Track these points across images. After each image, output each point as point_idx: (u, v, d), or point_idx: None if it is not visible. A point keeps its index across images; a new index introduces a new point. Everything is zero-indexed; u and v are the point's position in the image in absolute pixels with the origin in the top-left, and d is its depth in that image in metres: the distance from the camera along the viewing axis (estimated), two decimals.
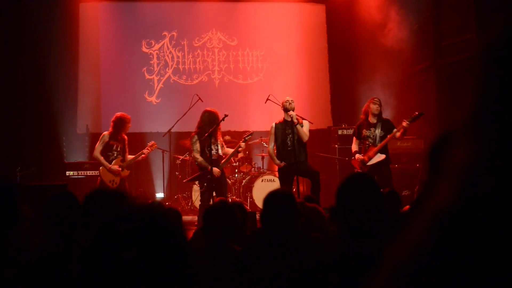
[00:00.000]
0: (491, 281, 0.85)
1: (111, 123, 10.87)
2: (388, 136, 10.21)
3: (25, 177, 11.96)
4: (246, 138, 10.63)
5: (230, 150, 10.67)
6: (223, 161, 10.46)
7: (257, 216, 6.36)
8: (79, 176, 12.79)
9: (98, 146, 10.83)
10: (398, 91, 13.21)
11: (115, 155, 10.86)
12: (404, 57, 13.32)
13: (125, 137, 11.00)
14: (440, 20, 12.81)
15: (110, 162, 10.80)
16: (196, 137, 10.42)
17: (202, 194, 10.43)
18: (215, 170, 10.21)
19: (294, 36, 15.17)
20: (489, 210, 0.88)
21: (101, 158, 10.79)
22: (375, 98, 10.61)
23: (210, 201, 10.18)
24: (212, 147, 10.34)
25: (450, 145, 0.98)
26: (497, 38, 0.98)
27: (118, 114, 10.97)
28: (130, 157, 11.03)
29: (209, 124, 10.28)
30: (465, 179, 0.92)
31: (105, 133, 10.94)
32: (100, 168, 10.88)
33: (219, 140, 10.51)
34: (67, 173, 12.84)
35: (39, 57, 13.52)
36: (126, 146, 11.00)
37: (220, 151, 10.48)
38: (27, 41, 13.50)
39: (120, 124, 10.80)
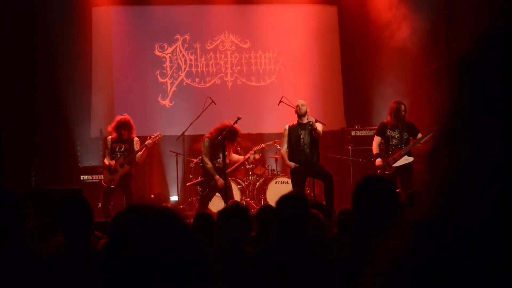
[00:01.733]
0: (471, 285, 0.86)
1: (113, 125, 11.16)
2: (413, 140, 10.21)
3: (40, 181, 12.03)
4: (257, 151, 10.80)
5: (239, 157, 10.80)
6: (229, 170, 10.54)
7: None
8: (93, 180, 12.85)
9: (105, 152, 11.33)
10: (411, 92, 13.17)
11: (119, 155, 11.00)
12: (417, 57, 13.28)
13: (134, 137, 11.13)
14: (453, 20, 12.76)
15: None
16: (208, 140, 10.53)
17: (201, 198, 10.64)
18: (221, 181, 10.39)
19: (306, 37, 15.15)
20: (468, 216, 0.90)
21: (105, 161, 11.17)
22: (399, 101, 10.60)
23: (207, 206, 10.51)
24: (220, 155, 10.47)
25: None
26: (469, 48, 0.99)
27: (119, 117, 11.17)
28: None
29: (227, 138, 10.41)
30: (445, 187, 0.94)
31: (108, 137, 11.26)
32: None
33: (227, 150, 10.60)
34: (82, 177, 12.90)
35: (52, 62, 13.58)
36: (136, 146, 11.06)
37: (226, 160, 10.60)
38: (41, 46, 13.56)
39: (117, 126, 11.02)
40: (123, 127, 10.96)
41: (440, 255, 0.89)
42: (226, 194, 10.34)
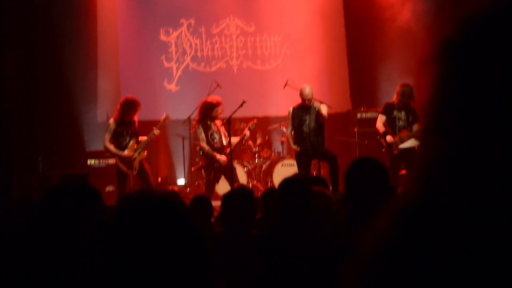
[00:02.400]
0: (455, 273, 0.88)
1: (118, 107, 10.67)
2: (417, 125, 10.17)
3: (47, 166, 12.08)
4: (251, 127, 10.75)
5: (236, 138, 10.77)
6: (228, 150, 10.46)
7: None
8: (100, 165, 12.91)
9: (107, 136, 10.58)
10: (417, 73, 13.11)
11: (128, 140, 10.58)
12: (424, 38, 13.23)
13: (135, 119, 10.67)
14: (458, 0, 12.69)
15: (124, 149, 10.53)
16: (197, 125, 10.52)
17: (207, 182, 10.62)
18: (222, 157, 10.32)
19: (311, 20, 15.11)
20: (453, 204, 0.90)
21: (111, 147, 10.56)
22: (408, 84, 10.55)
23: (213, 190, 10.57)
24: (215, 135, 10.46)
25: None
26: (454, 34, 0.99)
27: (125, 97, 10.76)
28: (143, 138, 10.74)
29: (208, 112, 10.40)
30: (431, 174, 0.95)
31: (111, 120, 10.71)
32: (115, 158, 10.71)
33: (221, 130, 10.57)
34: (89, 161, 12.95)
35: (57, 47, 13.58)
36: (137, 129, 10.70)
37: (224, 141, 10.54)
38: (45, 30, 13.55)
39: (125, 106, 10.50)
40: (129, 108, 10.48)
41: (423, 242, 0.91)
42: (231, 176, 10.34)
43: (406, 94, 10.30)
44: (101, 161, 12.94)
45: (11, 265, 2.37)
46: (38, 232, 2.51)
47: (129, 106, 10.49)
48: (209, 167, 10.57)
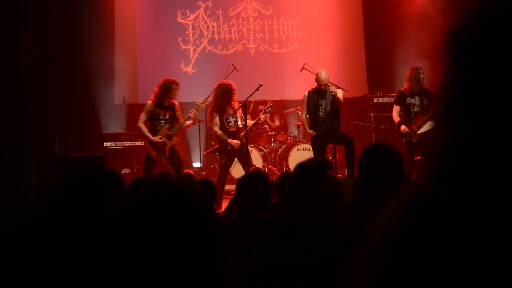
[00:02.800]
0: (460, 265, 0.88)
1: (156, 89, 10.22)
2: (432, 107, 10.08)
3: (64, 148, 12.15)
4: (267, 110, 10.71)
5: (251, 122, 10.74)
6: (243, 133, 10.40)
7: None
8: (116, 147, 12.96)
9: (142, 116, 10.17)
10: (434, 58, 13.03)
11: (163, 123, 10.18)
12: (442, 22, 13.12)
13: (175, 103, 10.27)
14: None
15: (156, 133, 10.11)
16: (212, 110, 10.46)
17: (221, 166, 10.62)
18: (235, 141, 10.29)
19: (329, 3, 15.05)
20: (459, 195, 0.90)
21: (144, 128, 10.18)
22: (417, 67, 10.44)
23: (227, 173, 10.65)
24: (231, 119, 10.42)
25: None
26: (464, 24, 0.98)
27: (164, 79, 10.33)
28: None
29: (223, 97, 10.34)
30: (438, 165, 0.94)
31: (149, 102, 10.21)
32: (145, 140, 10.36)
33: (238, 113, 10.51)
34: (105, 144, 13.01)
35: (75, 30, 13.61)
36: (178, 113, 10.25)
37: (239, 123, 10.48)
38: (62, 13, 13.59)
39: (164, 89, 10.10)
40: (169, 91, 10.10)
41: (428, 232, 0.90)
42: (245, 160, 10.32)
43: (414, 78, 10.22)
44: (117, 143, 12.99)
45: (30, 248, 2.38)
46: (60, 216, 2.52)
47: (164, 88, 10.12)
48: (222, 151, 10.54)
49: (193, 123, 10.62)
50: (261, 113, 10.78)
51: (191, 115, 10.32)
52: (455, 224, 0.89)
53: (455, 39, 0.98)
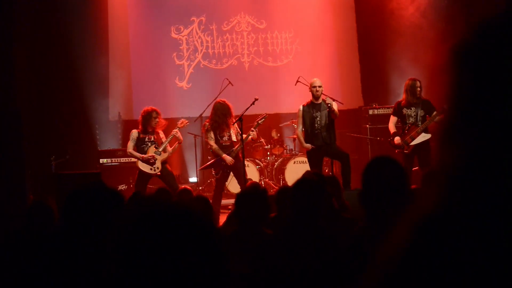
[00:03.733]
0: (472, 283, 0.86)
1: (139, 117, 10.68)
2: (429, 118, 10.09)
3: (60, 166, 12.12)
4: (260, 121, 10.75)
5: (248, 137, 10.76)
6: (235, 147, 10.47)
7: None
8: (112, 163, 12.94)
9: (130, 144, 10.59)
10: (429, 69, 13.07)
11: (149, 145, 10.57)
12: (435, 34, 13.17)
13: (158, 131, 10.71)
14: None
15: (145, 153, 10.50)
16: (207, 125, 10.56)
17: (217, 180, 10.65)
18: (228, 158, 10.35)
19: (322, 16, 15.09)
20: (471, 213, 0.88)
21: (133, 152, 10.55)
22: (414, 78, 10.46)
23: (223, 188, 10.74)
24: (224, 133, 10.47)
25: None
26: (469, 39, 0.97)
27: (145, 108, 10.69)
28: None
29: (222, 116, 10.39)
30: (448, 182, 0.93)
31: (133, 130, 10.70)
32: (137, 161, 10.58)
33: (232, 128, 10.56)
34: (101, 160, 12.99)
35: (69, 46, 13.60)
36: (162, 138, 10.66)
37: (233, 137, 10.55)
38: (57, 30, 13.60)
39: (146, 117, 10.50)
40: (149, 120, 10.50)
41: (441, 254, 0.89)
42: (240, 174, 10.35)
43: (410, 90, 10.24)
44: (113, 159, 12.97)
45: (29, 268, 2.37)
46: (63, 235, 2.51)
47: (145, 118, 10.53)
48: (217, 166, 10.57)
49: (179, 143, 10.94)
50: (252, 128, 10.76)
51: (175, 131, 10.69)
52: (470, 247, 0.87)
53: (461, 55, 0.97)
